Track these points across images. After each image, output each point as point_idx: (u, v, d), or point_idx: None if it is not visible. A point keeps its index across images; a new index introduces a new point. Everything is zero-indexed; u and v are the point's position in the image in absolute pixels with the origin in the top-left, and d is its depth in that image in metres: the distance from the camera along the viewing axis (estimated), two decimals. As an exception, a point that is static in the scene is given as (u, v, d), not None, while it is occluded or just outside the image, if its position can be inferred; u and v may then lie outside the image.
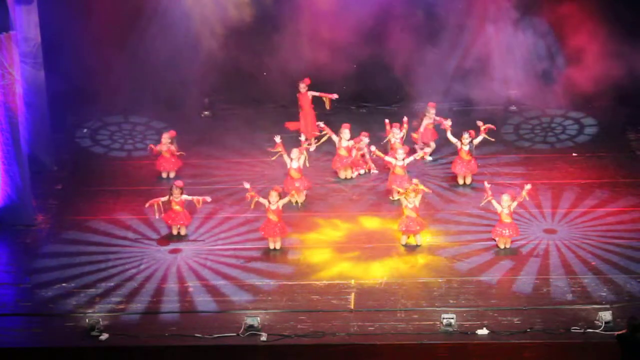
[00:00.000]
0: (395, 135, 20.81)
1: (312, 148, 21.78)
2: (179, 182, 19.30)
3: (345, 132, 20.95)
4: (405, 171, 20.07)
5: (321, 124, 21.20)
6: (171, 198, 19.04)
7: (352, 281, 17.83)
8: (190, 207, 19.39)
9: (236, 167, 21.69)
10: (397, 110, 23.66)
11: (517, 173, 21.10)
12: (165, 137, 21.02)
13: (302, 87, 22.02)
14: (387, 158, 20.08)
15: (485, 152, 21.82)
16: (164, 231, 19.39)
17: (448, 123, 20.72)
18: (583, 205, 19.85)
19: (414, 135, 21.33)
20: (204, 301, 17.40)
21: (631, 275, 17.69)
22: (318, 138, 21.58)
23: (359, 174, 21.17)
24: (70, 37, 22.69)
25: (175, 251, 18.86)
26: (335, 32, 22.89)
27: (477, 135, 20.44)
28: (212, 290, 17.67)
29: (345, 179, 21.02)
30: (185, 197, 19.12)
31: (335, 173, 21.14)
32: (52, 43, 21.78)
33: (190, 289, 17.72)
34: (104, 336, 16.49)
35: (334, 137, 20.99)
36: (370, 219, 19.72)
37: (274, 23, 23.22)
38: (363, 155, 21.21)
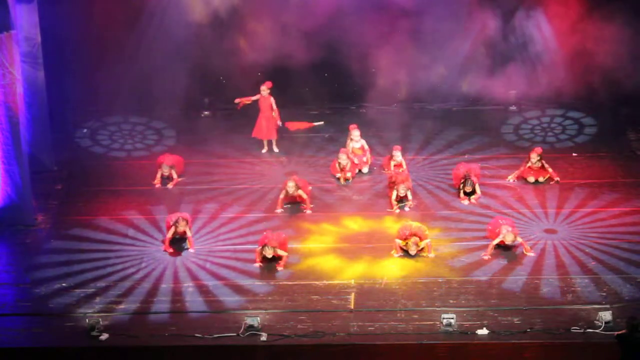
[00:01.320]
0: (396, 158, 20.76)
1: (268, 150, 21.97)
2: (186, 215, 18.96)
3: (354, 133, 21.08)
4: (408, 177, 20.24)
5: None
6: (177, 229, 18.73)
7: (352, 281, 17.83)
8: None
9: (236, 167, 21.69)
10: (397, 110, 23.69)
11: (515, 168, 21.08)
12: (165, 167, 20.80)
13: (264, 89, 21.62)
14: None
15: (485, 152, 21.87)
16: (163, 233, 19.39)
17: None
18: (583, 205, 19.85)
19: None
20: (204, 301, 17.40)
21: (631, 275, 17.68)
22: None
23: (362, 172, 21.13)
24: (70, 36, 22.69)
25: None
26: (331, 29, 22.97)
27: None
28: (212, 291, 17.66)
29: (346, 180, 20.92)
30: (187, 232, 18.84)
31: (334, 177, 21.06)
32: (52, 42, 21.75)
33: (190, 289, 17.72)
34: (104, 336, 16.49)
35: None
36: (370, 219, 19.71)
37: (273, 18, 23.21)
38: (362, 149, 21.18)
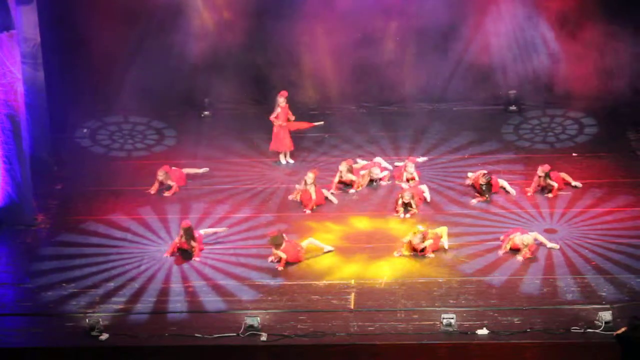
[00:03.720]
0: (409, 169, 20.65)
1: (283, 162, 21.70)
2: (186, 223, 18.63)
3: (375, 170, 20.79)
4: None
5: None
6: (182, 241, 18.54)
7: (352, 281, 17.82)
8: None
9: (236, 168, 21.68)
10: (397, 110, 23.69)
11: (517, 173, 21.02)
12: (160, 173, 20.60)
13: (282, 100, 21.17)
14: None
15: (485, 152, 21.86)
16: (163, 233, 19.41)
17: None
18: (583, 205, 19.84)
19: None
20: (204, 301, 17.40)
21: (631, 275, 17.68)
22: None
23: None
24: (70, 36, 22.69)
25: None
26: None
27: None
28: (212, 291, 17.66)
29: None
30: (204, 231, 18.85)
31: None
32: (52, 42, 21.75)
33: (191, 289, 17.72)
34: (104, 336, 16.49)
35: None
36: (371, 219, 19.71)
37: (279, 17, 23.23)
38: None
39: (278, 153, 21.64)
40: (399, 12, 23.10)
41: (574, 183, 20.37)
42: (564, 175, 20.39)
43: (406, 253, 18.35)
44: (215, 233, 19.03)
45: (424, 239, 18.27)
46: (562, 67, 23.22)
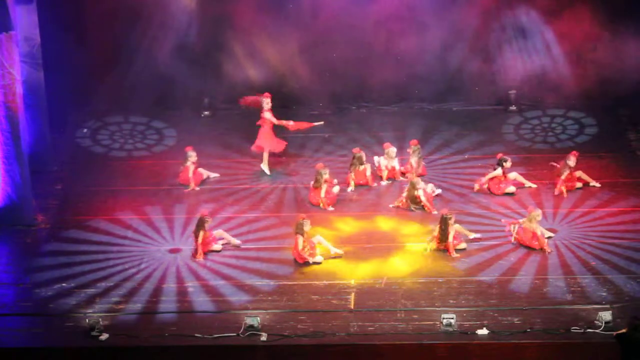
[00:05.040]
0: (412, 153, 20.71)
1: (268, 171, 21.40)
2: (205, 211, 18.79)
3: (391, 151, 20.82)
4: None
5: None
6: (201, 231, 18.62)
7: (352, 281, 17.82)
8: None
9: (236, 167, 21.69)
10: (397, 111, 23.69)
11: (517, 173, 21.02)
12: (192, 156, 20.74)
13: (266, 102, 20.91)
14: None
15: (485, 152, 21.86)
16: (164, 232, 19.41)
17: None
18: (583, 205, 19.85)
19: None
20: (204, 301, 17.40)
21: (631, 275, 17.68)
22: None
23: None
24: (70, 36, 22.70)
25: (175, 251, 18.86)
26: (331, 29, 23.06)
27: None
28: (212, 290, 17.67)
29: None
30: (221, 234, 18.89)
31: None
32: (52, 42, 21.76)
33: (190, 289, 17.72)
34: (104, 336, 16.49)
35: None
36: (371, 219, 19.71)
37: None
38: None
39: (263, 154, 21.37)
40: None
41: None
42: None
43: (433, 246, 18.47)
44: (228, 242, 18.98)
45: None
46: (561, 67, 23.24)
